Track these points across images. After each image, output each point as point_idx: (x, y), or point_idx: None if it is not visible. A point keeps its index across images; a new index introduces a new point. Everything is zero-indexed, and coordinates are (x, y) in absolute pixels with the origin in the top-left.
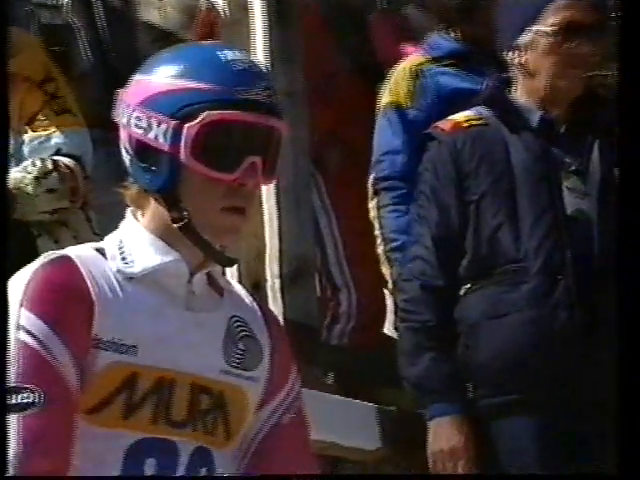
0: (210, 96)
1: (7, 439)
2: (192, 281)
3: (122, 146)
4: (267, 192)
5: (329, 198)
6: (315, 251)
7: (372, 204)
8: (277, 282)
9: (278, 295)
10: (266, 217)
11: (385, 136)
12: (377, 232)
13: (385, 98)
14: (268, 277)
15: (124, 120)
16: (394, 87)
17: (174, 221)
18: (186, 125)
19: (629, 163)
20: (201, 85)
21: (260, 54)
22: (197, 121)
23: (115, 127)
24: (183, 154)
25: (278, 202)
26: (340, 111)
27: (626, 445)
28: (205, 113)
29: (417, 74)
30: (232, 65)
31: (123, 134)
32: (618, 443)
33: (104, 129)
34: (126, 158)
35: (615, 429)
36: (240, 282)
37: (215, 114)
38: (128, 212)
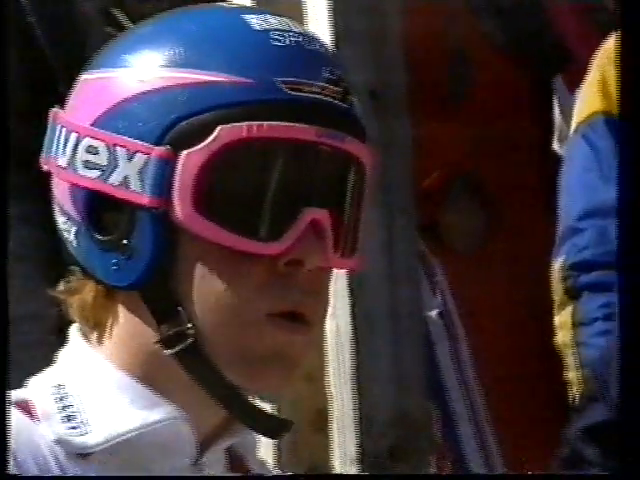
0: (230, 95)
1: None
2: (202, 462)
3: (57, 209)
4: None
5: (455, 300)
6: (428, 408)
7: (561, 317)
8: (353, 472)
9: None
10: (331, 342)
11: (587, 179)
12: (573, 375)
13: (586, 104)
14: (336, 463)
15: (63, 159)
16: (604, 82)
17: (166, 343)
18: (184, 153)
19: None
20: (213, 76)
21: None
22: (205, 144)
23: (42, 172)
24: (179, 208)
25: (353, 308)
26: (477, 128)
27: (627, 445)
28: (219, 129)
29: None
30: (271, 38)
31: (60, 187)
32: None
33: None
34: (68, 231)
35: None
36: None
37: (239, 129)
38: (73, 330)
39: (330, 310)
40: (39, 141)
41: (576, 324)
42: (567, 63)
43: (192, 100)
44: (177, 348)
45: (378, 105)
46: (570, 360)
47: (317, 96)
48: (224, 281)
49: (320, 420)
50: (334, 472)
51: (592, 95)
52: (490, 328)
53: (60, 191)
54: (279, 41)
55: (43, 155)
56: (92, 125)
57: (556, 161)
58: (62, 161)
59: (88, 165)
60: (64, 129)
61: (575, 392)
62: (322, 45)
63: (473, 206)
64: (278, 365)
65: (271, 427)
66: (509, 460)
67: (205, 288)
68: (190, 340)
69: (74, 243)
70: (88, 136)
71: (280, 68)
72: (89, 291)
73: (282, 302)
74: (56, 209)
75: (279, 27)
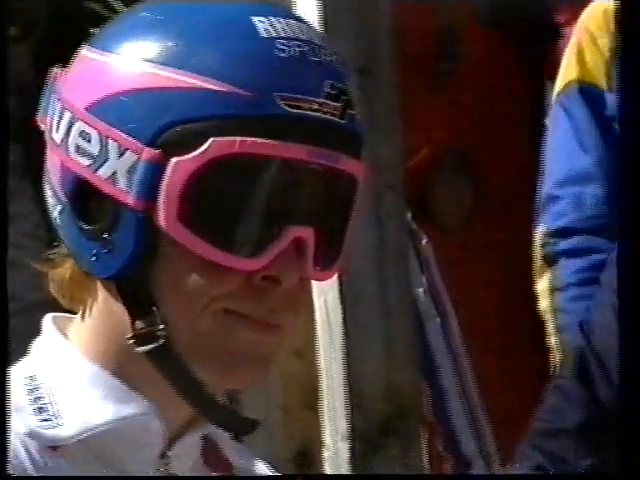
0: (227, 106)
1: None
2: (169, 454)
3: (47, 180)
4: None
5: (443, 276)
6: (418, 383)
7: (541, 284)
8: (344, 449)
9: (345, 472)
10: (320, 318)
11: (564, 148)
12: (553, 340)
13: (564, 73)
14: (327, 439)
15: (57, 135)
16: (581, 52)
17: (138, 340)
18: (173, 160)
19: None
20: (212, 84)
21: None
22: (195, 154)
23: (37, 133)
24: (163, 215)
25: (341, 284)
26: (466, 104)
27: (626, 445)
28: (211, 141)
29: (625, 19)
30: (275, 47)
31: (52, 161)
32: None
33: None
34: (54, 206)
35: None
36: (266, 457)
37: (231, 143)
38: (47, 321)
39: (318, 287)
40: None
41: (553, 290)
42: (556, 38)
43: (188, 105)
44: (148, 347)
45: (367, 82)
46: (550, 326)
47: (315, 113)
48: (196, 285)
49: (310, 396)
50: (325, 448)
51: (569, 65)
52: (479, 303)
53: (51, 164)
54: (283, 51)
55: (39, 113)
56: (86, 109)
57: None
58: (57, 137)
59: (80, 150)
60: (59, 103)
61: (556, 358)
62: (327, 54)
63: (461, 182)
64: (249, 363)
65: (238, 426)
66: (499, 434)
67: (178, 291)
68: (161, 340)
69: (58, 220)
70: (82, 120)
71: (281, 82)
72: (67, 268)
73: (250, 310)
74: (45, 179)
75: (286, 34)
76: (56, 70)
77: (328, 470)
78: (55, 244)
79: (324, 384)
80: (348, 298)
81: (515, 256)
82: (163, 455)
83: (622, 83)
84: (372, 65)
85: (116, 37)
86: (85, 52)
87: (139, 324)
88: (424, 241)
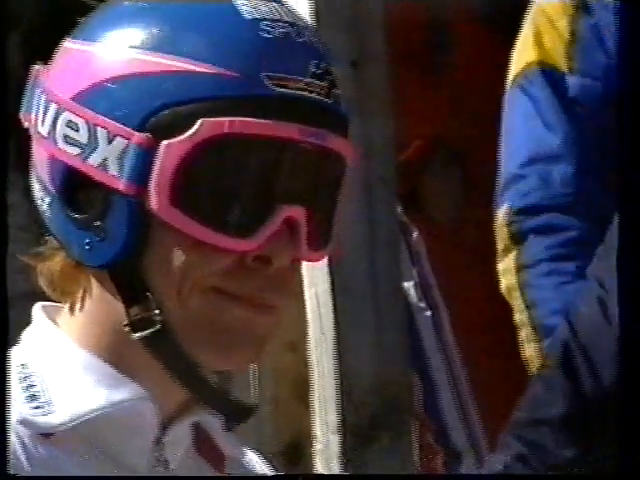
0: (214, 88)
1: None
2: (164, 441)
3: (35, 174)
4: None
5: (434, 269)
6: (409, 376)
7: (505, 263)
8: (335, 441)
9: (335, 467)
10: (311, 310)
11: (529, 129)
12: (521, 316)
13: (520, 57)
14: (317, 432)
15: (43, 128)
16: (538, 35)
17: (134, 327)
18: (164, 143)
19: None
20: (199, 66)
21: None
22: (185, 136)
23: (24, 134)
24: (155, 198)
25: (332, 277)
26: (458, 98)
27: (626, 444)
28: (201, 122)
29: (583, 6)
30: (260, 28)
31: (39, 155)
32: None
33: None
34: (43, 199)
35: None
36: (257, 450)
37: (221, 123)
38: (37, 310)
39: (309, 279)
40: None
41: (520, 267)
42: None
43: (176, 89)
44: (144, 333)
45: (359, 75)
46: (516, 303)
47: (302, 92)
48: (187, 266)
49: (302, 390)
50: (315, 441)
51: (526, 48)
52: (468, 297)
53: (39, 158)
54: (268, 32)
55: (23, 110)
56: (73, 99)
57: None
58: (43, 130)
59: (68, 140)
60: (44, 95)
61: (523, 334)
62: (311, 35)
63: (453, 176)
64: (245, 343)
65: (236, 411)
66: (489, 427)
67: (169, 273)
68: (158, 326)
69: (48, 213)
70: (68, 110)
71: (267, 62)
72: (58, 261)
73: (240, 289)
74: (33, 174)
75: (269, 16)
76: (38, 67)
77: (319, 463)
78: (44, 238)
79: (315, 377)
80: (339, 290)
81: None
82: (158, 442)
83: (622, 82)
84: (364, 58)
85: (100, 27)
86: (68, 44)
87: (134, 310)
88: (415, 234)
